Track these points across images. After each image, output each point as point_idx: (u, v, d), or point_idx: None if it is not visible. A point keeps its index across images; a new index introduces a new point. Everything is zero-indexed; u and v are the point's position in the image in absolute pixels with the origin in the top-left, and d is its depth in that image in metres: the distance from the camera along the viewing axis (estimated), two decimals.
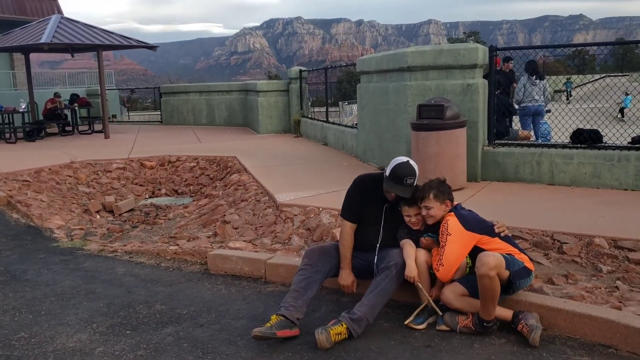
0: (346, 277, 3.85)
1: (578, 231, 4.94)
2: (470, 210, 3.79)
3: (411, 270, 3.63)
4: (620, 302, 3.79)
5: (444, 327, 3.57)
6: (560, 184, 6.83)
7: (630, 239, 4.72)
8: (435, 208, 3.68)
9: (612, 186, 6.56)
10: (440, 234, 3.64)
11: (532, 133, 9.56)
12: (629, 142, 6.79)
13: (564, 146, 7.01)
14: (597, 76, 30.15)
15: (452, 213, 3.68)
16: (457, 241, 3.56)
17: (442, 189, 3.73)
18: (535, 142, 7.93)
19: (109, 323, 3.87)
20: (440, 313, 3.61)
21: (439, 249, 3.64)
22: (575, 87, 27.17)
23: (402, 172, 3.74)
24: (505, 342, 3.37)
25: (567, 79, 28.20)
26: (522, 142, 7.64)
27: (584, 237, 4.86)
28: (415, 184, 3.79)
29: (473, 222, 3.64)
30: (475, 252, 3.55)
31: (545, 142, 7.73)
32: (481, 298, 3.40)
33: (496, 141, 7.42)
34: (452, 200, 3.77)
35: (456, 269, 3.60)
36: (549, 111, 9.70)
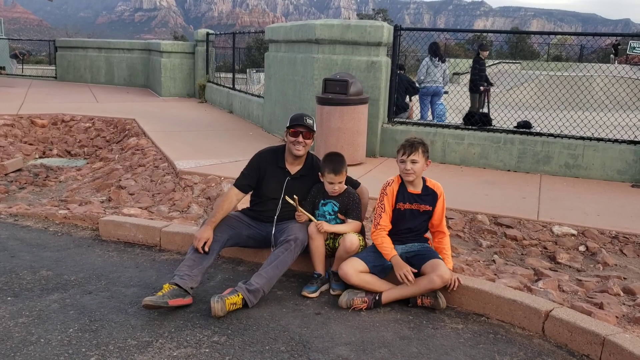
0: (202, 232, 3.66)
1: (463, 208, 5.30)
2: None
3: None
4: (495, 274, 4.13)
5: (338, 292, 3.70)
6: (451, 163, 7.24)
7: (508, 216, 5.14)
8: (420, 163, 3.65)
9: (497, 167, 7.05)
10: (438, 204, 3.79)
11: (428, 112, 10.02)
12: (514, 127, 7.30)
13: (456, 127, 7.42)
14: (491, 62, 31.71)
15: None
16: None
17: (427, 147, 3.74)
18: (431, 122, 8.31)
19: None
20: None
21: (437, 212, 3.79)
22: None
23: (300, 115, 3.95)
24: (390, 310, 3.57)
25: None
26: (418, 122, 7.99)
27: (468, 213, 5.23)
28: (314, 125, 3.94)
29: None
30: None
31: (440, 122, 8.11)
32: (411, 291, 3.56)
33: (395, 119, 7.70)
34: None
35: None
36: (446, 92, 10.16)
